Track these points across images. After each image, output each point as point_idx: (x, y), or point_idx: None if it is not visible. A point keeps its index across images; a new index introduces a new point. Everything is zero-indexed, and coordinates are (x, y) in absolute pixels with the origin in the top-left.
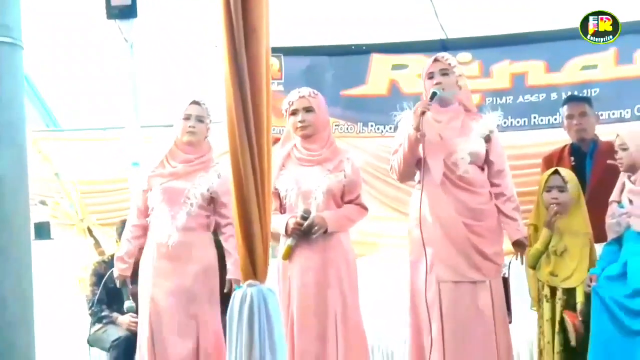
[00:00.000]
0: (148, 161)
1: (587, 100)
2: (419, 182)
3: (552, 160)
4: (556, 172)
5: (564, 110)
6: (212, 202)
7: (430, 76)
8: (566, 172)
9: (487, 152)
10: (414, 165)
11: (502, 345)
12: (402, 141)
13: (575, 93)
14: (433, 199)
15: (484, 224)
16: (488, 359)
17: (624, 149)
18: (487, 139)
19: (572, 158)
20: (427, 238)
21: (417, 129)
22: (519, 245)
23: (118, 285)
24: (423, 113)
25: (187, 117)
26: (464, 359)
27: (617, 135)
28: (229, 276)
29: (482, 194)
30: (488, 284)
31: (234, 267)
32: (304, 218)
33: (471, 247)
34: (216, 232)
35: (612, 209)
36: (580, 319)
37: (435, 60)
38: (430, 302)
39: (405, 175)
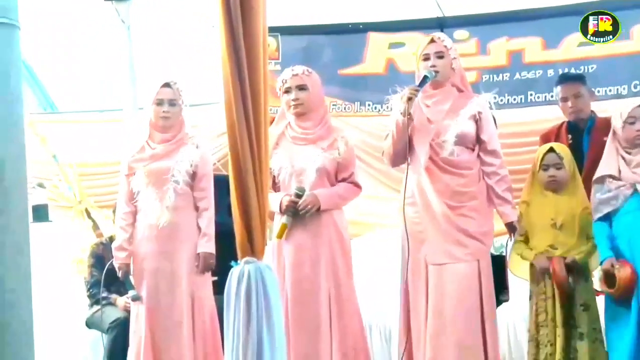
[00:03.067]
0: (127, 147)
1: (580, 78)
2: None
3: (549, 138)
4: (551, 149)
5: (558, 91)
6: (194, 176)
7: (426, 57)
8: (561, 149)
9: (477, 132)
10: (403, 149)
11: (488, 325)
12: (391, 126)
13: (572, 70)
14: (419, 181)
15: (468, 205)
16: (474, 340)
17: (632, 123)
18: (477, 120)
19: (570, 135)
20: (417, 220)
21: (404, 114)
22: (510, 227)
23: (120, 276)
24: (410, 99)
25: (159, 102)
26: (449, 339)
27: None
28: (198, 250)
29: (467, 175)
30: (476, 264)
31: (203, 242)
32: (298, 196)
33: (456, 228)
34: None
35: (607, 183)
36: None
37: (432, 41)
38: (418, 283)
39: (396, 160)
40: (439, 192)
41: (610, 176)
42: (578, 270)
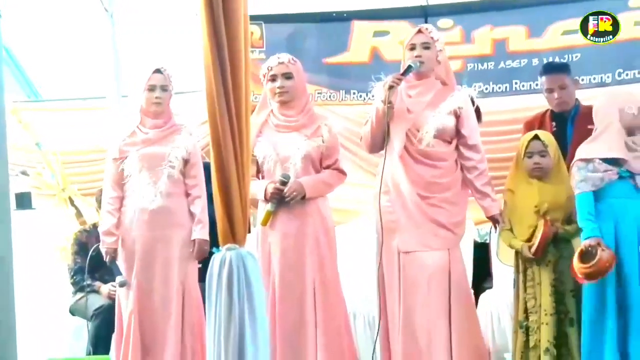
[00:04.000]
0: (115, 132)
1: (565, 69)
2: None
3: (533, 125)
4: (536, 137)
5: (543, 82)
6: (187, 163)
7: (412, 47)
8: (546, 136)
9: (457, 126)
10: (381, 137)
11: (462, 313)
12: (371, 113)
13: (557, 59)
14: (394, 170)
15: (440, 196)
16: (441, 328)
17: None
18: (457, 114)
19: (554, 123)
20: (390, 209)
21: (385, 101)
22: (493, 220)
23: (107, 261)
24: (391, 87)
25: (152, 88)
26: (419, 327)
27: None
28: (193, 237)
29: (441, 166)
30: (446, 253)
31: (198, 229)
32: (283, 183)
33: (427, 217)
34: None
35: (596, 164)
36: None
37: (419, 31)
38: (391, 270)
39: (373, 147)
40: (412, 181)
41: (606, 160)
42: (557, 238)
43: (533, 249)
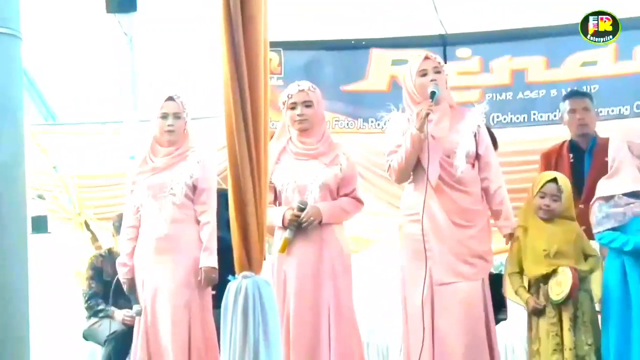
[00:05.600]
0: (132, 162)
1: (589, 95)
2: (411, 181)
3: (550, 157)
4: (554, 180)
5: (566, 104)
6: (194, 189)
7: (424, 73)
8: (563, 181)
9: (476, 146)
10: (413, 166)
11: (495, 344)
12: (403, 142)
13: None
14: (426, 199)
15: (474, 224)
16: (482, 357)
17: None
18: (475, 134)
19: (571, 155)
20: (420, 237)
21: (421, 129)
22: (510, 238)
23: (126, 291)
24: (427, 115)
25: (164, 116)
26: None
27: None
28: (200, 264)
29: (474, 193)
30: (480, 283)
31: (205, 256)
32: (301, 209)
33: (463, 246)
34: None
35: (617, 199)
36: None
37: (426, 58)
38: (424, 302)
39: (404, 176)
40: (447, 210)
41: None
42: (580, 280)
43: (559, 298)
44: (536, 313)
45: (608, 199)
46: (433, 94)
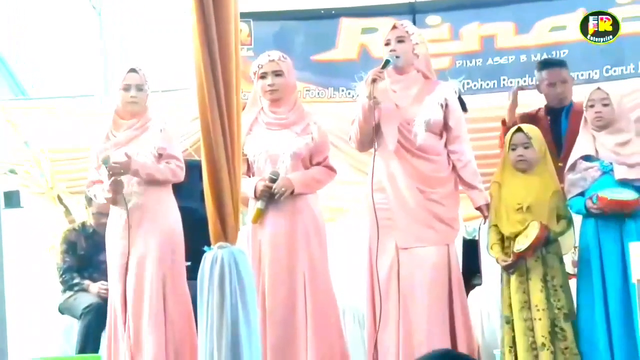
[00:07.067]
0: (94, 139)
1: (564, 63)
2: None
3: (525, 119)
4: (519, 129)
5: (543, 75)
6: (160, 158)
7: (387, 43)
8: (529, 129)
9: (445, 118)
10: (370, 133)
11: (461, 308)
12: (357, 110)
13: (545, 55)
14: (389, 166)
15: (439, 190)
16: (443, 323)
17: (606, 105)
18: (444, 106)
19: (548, 117)
20: (385, 206)
21: (370, 97)
22: (481, 211)
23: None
24: (374, 81)
25: (127, 88)
26: (419, 323)
27: (598, 88)
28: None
29: (437, 161)
30: (446, 249)
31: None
32: (273, 180)
33: (426, 212)
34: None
35: (578, 164)
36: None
37: (394, 27)
38: (388, 268)
39: (363, 145)
40: (409, 176)
41: (583, 157)
42: (548, 240)
43: (521, 248)
44: (507, 270)
45: (572, 166)
46: (386, 62)
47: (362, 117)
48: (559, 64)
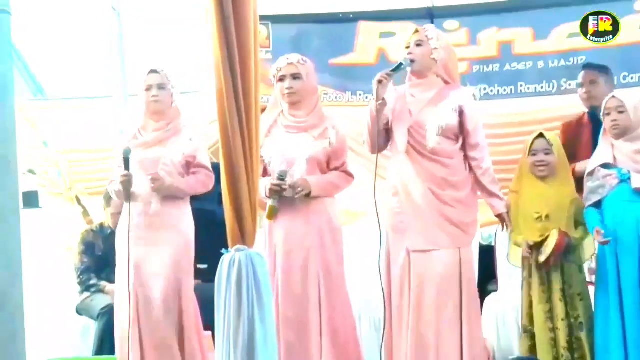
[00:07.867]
0: (122, 137)
1: (601, 68)
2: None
3: (572, 126)
4: (541, 135)
5: (579, 77)
6: (188, 166)
7: (407, 46)
8: (551, 136)
9: (461, 124)
10: (380, 135)
11: (472, 314)
12: (367, 112)
13: (562, 61)
14: (401, 168)
15: (452, 194)
16: (454, 326)
17: (621, 112)
18: (460, 112)
19: (592, 125)
20: (399, 210)
21: (377, 98)
22: (501, 219)
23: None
24: (380, 82)
25: (149, 88)
26: (428, 328)
27: (613, 96)
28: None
29: (451, 165)
30: (457, 252)
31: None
32: (280, 179)
33: (438, 214)
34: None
35: (596, 172)
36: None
37: (416, 31)
38: (401, 272)
39: (374, 147)
40: (423, 178)
41: (602, 165)
42: (568, 248)
43: (543, 258)
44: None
45: (591, 174)
46: (399, 65)
47: (370, 119)
48: (594, 66)
